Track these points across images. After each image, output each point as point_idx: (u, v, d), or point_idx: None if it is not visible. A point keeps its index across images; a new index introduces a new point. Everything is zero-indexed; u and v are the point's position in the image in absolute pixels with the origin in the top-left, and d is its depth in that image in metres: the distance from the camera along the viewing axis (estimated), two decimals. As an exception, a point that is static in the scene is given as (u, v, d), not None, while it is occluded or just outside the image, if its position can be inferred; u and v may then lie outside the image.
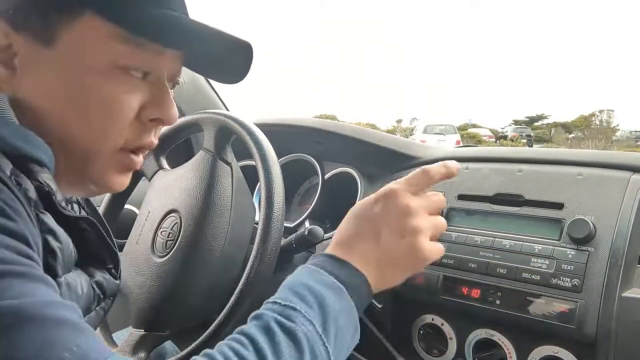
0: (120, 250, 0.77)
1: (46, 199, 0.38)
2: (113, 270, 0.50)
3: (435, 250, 0.49)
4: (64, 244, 0.39)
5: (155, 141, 0.47)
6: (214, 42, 0.44)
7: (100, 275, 0.47)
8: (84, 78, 0.40)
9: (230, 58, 0.48)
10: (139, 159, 0.47)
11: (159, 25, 0.41)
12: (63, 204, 0.41)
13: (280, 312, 0.40)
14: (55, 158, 0.41)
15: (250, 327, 0.40)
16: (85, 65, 0.40)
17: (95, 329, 0.49)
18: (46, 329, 0.29)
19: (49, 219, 0.37)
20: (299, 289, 0.42)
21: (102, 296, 0.47)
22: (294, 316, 0.40)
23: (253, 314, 0.42)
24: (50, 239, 0.37)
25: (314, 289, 0.42)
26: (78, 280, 0.43)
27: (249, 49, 0.47)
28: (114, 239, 0.53)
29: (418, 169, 0.52)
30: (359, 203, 0.53)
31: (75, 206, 0.51)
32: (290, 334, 0.38)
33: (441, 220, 0.52)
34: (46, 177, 0.39)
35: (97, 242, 0.46)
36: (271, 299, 0.43)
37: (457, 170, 0.53)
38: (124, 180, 0.47)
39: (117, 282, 0.50)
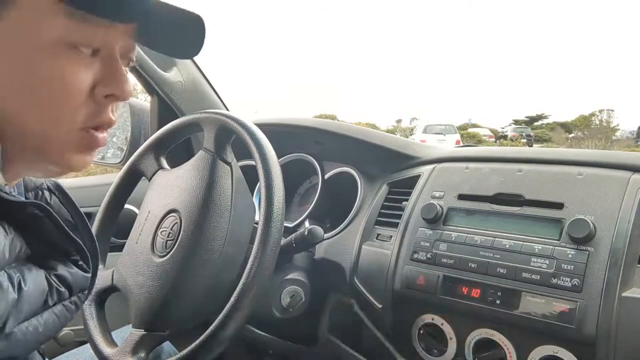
0: (120, 250, 0.77)
1: None
2: (81, 263, 0.47)
3: None
4: None
5: (114, 118, 0.45)
6: (163, 14, 0.44)
7: (64, 269, 0.45)
8: (30, 57, 0.38)
9: (182, 31, 0.47)
10: (102, 136, 0.45)
11: None
12: (7, 189, 0.38)
13: None
14: (10, 142, 0.39)
15: None
16: (30, 44, 0.38)
17: (64, 324, 0.46)
18: None
19: None
20: None
21: (63, 290, 0.44)
22: None
23: None
24: None
25: None
26: (15, 276, 0.39)
27: (200, 21, 0.47)
28: (90, 229, 0.51)
29: None
30: None
31: (47, 192, 0.50)
32: None
33: None
34: None
35: (54, 230, 0.43)
36: None
37: None
38: (86, 159, 0.45)
39: (87, 275, 0.47)
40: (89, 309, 0.74)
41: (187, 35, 0.48)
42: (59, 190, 0.52)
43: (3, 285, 0.38)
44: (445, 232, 0.79)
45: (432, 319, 0.78)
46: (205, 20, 0.47)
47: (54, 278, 0.43)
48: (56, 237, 0.44)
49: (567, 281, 0.65)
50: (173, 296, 0.67)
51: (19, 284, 0.39)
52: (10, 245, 0.39)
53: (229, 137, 0.73)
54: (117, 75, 0.43)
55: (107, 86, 0.43)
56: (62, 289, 0.44)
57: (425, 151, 0.99)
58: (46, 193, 0.50)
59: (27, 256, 0.42)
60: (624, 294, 0.62)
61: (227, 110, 1.11)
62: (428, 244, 0.79)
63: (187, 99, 1.14)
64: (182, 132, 0.82)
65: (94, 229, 0.52)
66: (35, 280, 0.41)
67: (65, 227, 0.44)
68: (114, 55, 0.43)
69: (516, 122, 31.12)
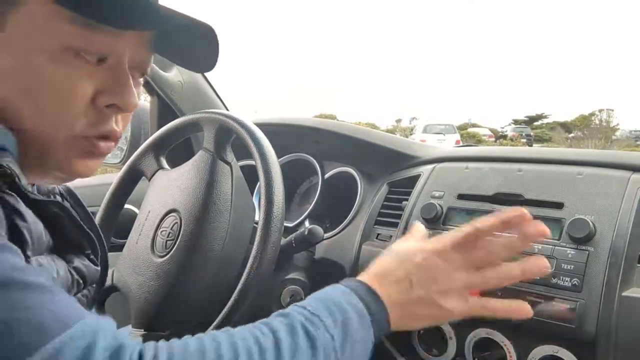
0: (120, 250, 0.77)
1: (9, 182, 0.37)
2: (92, 257, 0.49)
3: (460, 309, 0.49)
4: (32, 224, 0.38)
5: (119, 129, 0.45)
6: (176, 24, 0.43)
7: (79, 262, 0.47)
8: (33, 61, 0.38)
9: (195, 43, 0.47)
10: (106, 145, 0.44)
11: (105, 5, 0.38)
12: (30, 188, 0.40)
13: (308, 317, 0.42)
14: (18, 144, 0.40)
15: (275, 321, 0.41)
16: (34, 48, 0.38)
17: None
18: (15, 292, 0.29)
19: (13, 199, 0.36)
20: (329, 304, 0.44)
21: (81, 282, 0.46)
22: (318, 325, 0.41)
23: (279, 311, 0.44)
24: (16, 218, 0.36)
25: (344, 309, 0.44)
26: (53, 264, 0.42)
27: (213, 33, 0.46)
28: (99, 230, 0.53)
29: (468, 226, 0.52)
30: (405, 244, 0.54)
31: (59, 197, 0.51)
32: (311, 339, 0.40)
33: (480, 277, 0.50)
34: (8, 161, 0.37)
35: (71, 227, 0.45)
36: (300, 304, 0.45)
37: (528, 225, 0.52)
38: (90, 166, 0.45)
39: (98, 268, 0.50)
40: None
41: (201, 47, 0.47)
42: (70, 195, 0.54)
43: (44, 267, 0.40)
44: (445, 231, 0.79)
45: (432, 319, 0.78)
46: (217, 32, 0.46)
47: (72, 270, 0.45)
48: (73, 233, 0.46)
49: (567, 281, 0.65)
50: (173, 296, 0.67)
51: (56, 270, 0.42)
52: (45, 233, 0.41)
53: (229, 137, 0.73)
54: (121, 86, 0.43)
55: (109, 96, 0.42)
56: (80, 281, 0.46)
57: (425, 151, 0.99)
58: (58, 197, 0.51)
59: (51, 248, 0.43)
60: (624, 294, 0.62)
61: (227, 110, 1.11)
62: (428, 244, 0.79)
63: (187, 99, 1.14)
64: (182, 132, 0.82)
65: None
66: (63, 270, 0.44)
67: (83, 225, 0.46)
68: (121, 65, 0.43)
69: (516, 121, 31.15)
